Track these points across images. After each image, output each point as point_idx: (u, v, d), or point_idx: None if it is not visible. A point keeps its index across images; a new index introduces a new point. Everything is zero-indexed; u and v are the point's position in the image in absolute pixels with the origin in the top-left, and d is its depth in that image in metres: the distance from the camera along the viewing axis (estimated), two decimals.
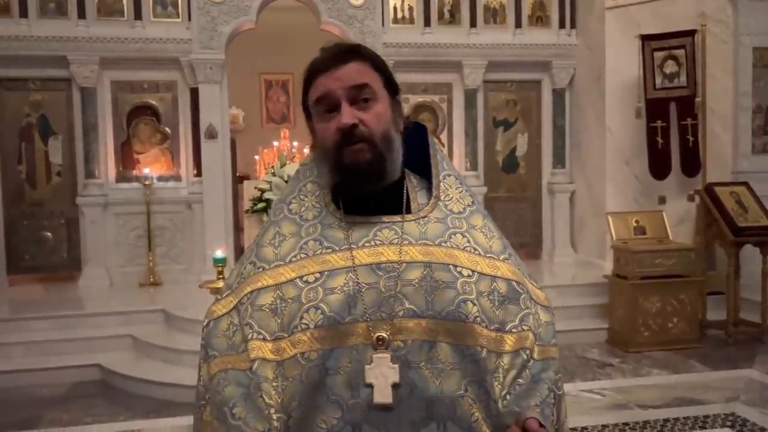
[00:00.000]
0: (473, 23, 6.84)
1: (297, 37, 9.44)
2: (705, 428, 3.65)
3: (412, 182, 1.28)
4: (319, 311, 1.12)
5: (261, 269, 1.21)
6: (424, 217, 1.23)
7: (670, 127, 5.97)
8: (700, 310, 5.38)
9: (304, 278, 1.16)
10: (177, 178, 6.55)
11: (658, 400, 4.06)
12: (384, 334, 1.10)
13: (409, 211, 1.24)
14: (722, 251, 5.57)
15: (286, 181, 4.20)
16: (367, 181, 1.19)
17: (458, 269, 1.17)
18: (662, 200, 6.01)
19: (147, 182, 6.29)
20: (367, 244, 1.18)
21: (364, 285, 1.14)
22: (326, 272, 1.16)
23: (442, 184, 1.28)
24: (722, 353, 5.01)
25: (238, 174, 8.95)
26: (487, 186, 6.96)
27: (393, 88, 1.25)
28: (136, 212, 6.38)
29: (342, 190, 1.22)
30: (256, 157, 9.64)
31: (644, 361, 4.88)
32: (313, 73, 1.22)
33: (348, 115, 1.16)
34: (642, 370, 4.71)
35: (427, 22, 6.78)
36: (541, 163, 7.18)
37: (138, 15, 6.31)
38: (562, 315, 5.28)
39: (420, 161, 1.31)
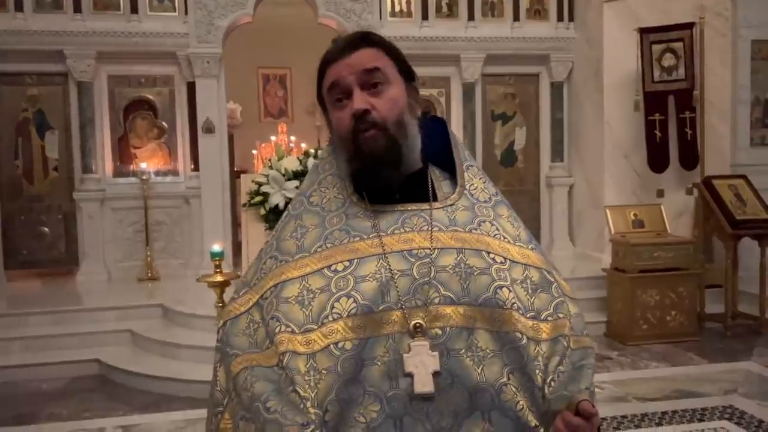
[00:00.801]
0: (471, 16, 6.81)
1: (294, 31, 9.43)
2: (703, 420, 3.66)
3: (435, 173, 1.27)
4: (351, 299, 1.09)
5: (284, 262, 1.18)
6: (451, 205, 1.22)
7: (669, 120, 5.96)
8: (698, 303, 5.39)
9: (332, 267, 1.13)
10: (174, 172, 6.53)
11: (656, 392, 4.07)
12: (421, 322, 1.08)
13: (435, 200, 1.22)
14: (720, 244, 5.58)
15: (283, 175, 4.18)
16: (384, 167, 1.17)
17: (491, 255, 1.16)
18: (660, 193, 5.99)
19: (144, 177, 6.28)
20: (396, 231, 1.16)
21: (396, 272, 1.11)
22: (356, 260, 1.13)
23: (466, 173, 1.27)
24: (720, 346, 5.02)
25: (235, 169, 8.92)
26: None
27: (408, 74, 1.24)
28: (133, 207, 6.36)
29: (362, 179, 1.20)
30: (254, 151, 9.61)
31: (642, 354, 4.89)
32: (325, 64, 1.22)
33: (360, 100, 1.16)
34: (640, 363, 4.72)
35: (424, 16, 6.76)
36: (540, 157, 7.17)
37: (134, 9, 6.28)
38: None
39: (440, 155, 1.29)
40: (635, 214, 5.57)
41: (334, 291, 1.10)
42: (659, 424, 3.61)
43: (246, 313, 1.18)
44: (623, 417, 3.71)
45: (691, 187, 5.80)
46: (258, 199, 4.22)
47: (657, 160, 6.04)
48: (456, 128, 6.98)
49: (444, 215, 1.19)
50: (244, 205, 4.44)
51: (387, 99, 1.17)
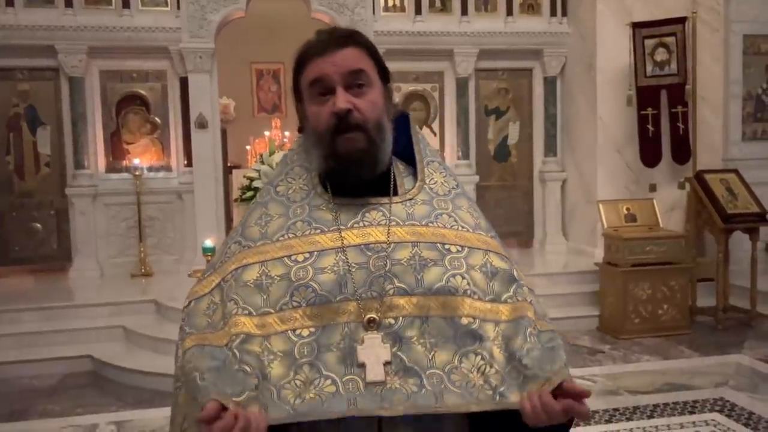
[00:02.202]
0: (464, 11, 6.80)
1: (287, 26, 9.35)
2: (694, 413, 3.68)
3: (399, 168, 1.30)
4: (310, 289, 1.13)
5: (247, 247, 1.22)
6: (410, 199, 1.25)
7: (661, 114, 5.98)
8: (690, 296, 5.42)
9: (293, 257, 1.17)
10: (167, 168, 6.51)
11: (648, 386, 4.10)
12: (374, 316, 1.12)
13: (396, 195, 1.26)
14: (712, 238, 5.61)
15: (274, 169, 4.19)
16: (361, 169, 1.20)
17: (446, 246, 1.20)
18: (653, 188, 6.02)
19: (137, 173, 6.25)
20: (355, 225, 1.20)
21: (354, 265, 1.15)
22: (315, 252, 1.17)
23: (426, 169, 1.31)
24: (712, 339, 5.05)
25: (229, 164, 8.91)
26: (478, 175, 6.95)
27: (385, 76, 1.26)
28: (126, 203, 6.34)
29: (334, 177, 1.23)
30: (248, 147, 9.60)
31: (634, 348, 4.91)
32: (307, 56, 1.22)
33: (343, 99, 1.17)
34: (632, 356, 4.75)
35: (418, 10, 6.74)
36: (533, 152, 7.17)
37: (126, 3, 6.23)
38: (553, 303, 5.30)
39: (406, 151, 1.33)
40: (628, 209, 5.59)
41: (293, 280, 1.15)
42: (651, 417, 3.64)
43: (209, 294, 1.22)
44: (615, 410, 3.73)
45: (684, 182, 5.82)
46: (250, 194, 4.22)
47: (649, 155, 6.06)
48: (449, 123, 6.99)
49: (402, 209, 1.23)
50: (236, 200, 4.43)
51: (368, 101, 1.20)
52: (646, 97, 5.98)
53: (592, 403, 3.75)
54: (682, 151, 5.96)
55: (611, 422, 3.58)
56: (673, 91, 5.89)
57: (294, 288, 1.14)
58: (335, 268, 1.15)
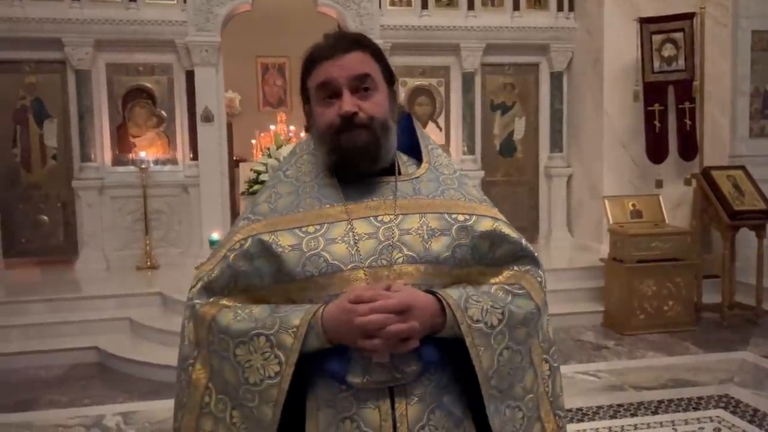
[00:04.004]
0: (471, 6, 6.78)
1: (294, 19, 9.36)
2: (698, 409, 3.68)
3: (402, 159, 1.34)
4: (322, 259, 1.17)
5: (256, 221, 1.25)
6: (416, 177, 1.30)
7: (668, 110, 5.96)
8: (695, 293, 5.41)
9: (303, 228, 1.21)
10: (173, 161, 6.52)
11: (652, 381, 4.10)
12: (386, 281, 1.16)
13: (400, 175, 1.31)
14: (718, 235, 5.59)
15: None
16: (362, 162, 1.24)
17: (453, 216, 1.24)
18: (659, 184, 6.00)
19: (143, 166, 6.27)
20: (363, 200, 1.25)
21: (363, 235, 1.20)
22: (326, 224, 1.21)
23: (431, 153, 1.35)
24: (717, 336, 5.04)
25: (234, 158, 8.93)
26: (484, 170, 6.94)
27: (390, 79, 1.30)
28: (132, 196, 6.36)
29: (338, 170, 1.27)
30: (253, 141, 9.61)
31: (639, 344, 4.91)
32: (315, 59, 1.25)
33: (349, 103, 1.21)
34: (637, 352, 4.74)
35: (424, 5, 6.72)
36: (539, 147, 7.16)
37: None
38: (558, 298, 5.30)
39: (407, 148, 1.37)
40: (633, 205, 5.58)
41: (305, 250, 1.18)
42: (655, 413, 3.64)
43: (212, 269, 1.26)
44: (619, 406, 3.74)
45: (690, 178, 5.80)
46: (257, 187, 4.23)
47: (656, 151, 6.04)
48: (455, 118, 6.97)
49: (409, 185, 1.28)
50: (243, 193, 4.44)
51: (373, 102, 1.24)
52: (652, 92, 5.95)
53: (596, 399, 3.78)
54: (689, 148, 5.93)
55: (615, 418, 3.59)
56: (681, 87, 5.87)
57: (306, 257, 1.17)
58: (345, 239, 1.19)
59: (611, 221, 5.46)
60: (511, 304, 1.20)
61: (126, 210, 6.39)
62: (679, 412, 3.66)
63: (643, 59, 5.92)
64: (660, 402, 3.78)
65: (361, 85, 1.23)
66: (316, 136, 1.27)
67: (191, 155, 6.47)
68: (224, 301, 1.22)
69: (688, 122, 5.88)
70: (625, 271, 5.19)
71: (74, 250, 6.34)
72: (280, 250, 1.18)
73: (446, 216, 1.23)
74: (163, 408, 3.81)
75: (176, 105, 6.48)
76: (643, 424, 3.51)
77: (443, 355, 1.17)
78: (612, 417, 3.60)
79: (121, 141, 6.43)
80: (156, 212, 6.43)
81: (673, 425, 3.49)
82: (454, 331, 1.15)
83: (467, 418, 1.21)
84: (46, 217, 6.31)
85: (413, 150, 1.36)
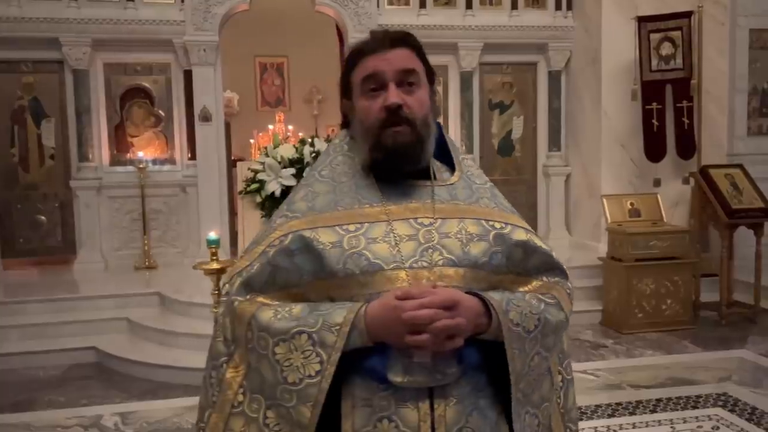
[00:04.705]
0: (469, 4, 6.78)
1: (292, 19, 9.38)
2: (697, 408, 3.69)
3: (436, 164, 1.35)
4: (363, 257, 1.17)
5: (294, 218, 1.25)
6: (451, 184, 1.31)
7: (666, 109, 5.96)
8: (693, 291, 5.42)
9: (344, 227, 1.21)
10: (171, 161, 6.52)
11: (651, 380, 4.10)
12: (426, 282, 1.17)
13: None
14: (716, 233, 5.59)
15: (279, 162, 4.17)
16: (405, 162, 1.25)
17: (490, 223, 1.26)
18: (657, 183, 6.00)
19: (141, 165, 6.27)
20: (402, 201, 1.25)
21: (404, 236, 1.20)
22: (366, 224, 1.22)
23: (462, 164, 1.37)
24: (715, 334, 5.05)
25: (232, 157, 8.91)
26: (482, 169, 6.84)
27: (431, 78, 1.32)
28: (130, 195, 6.35)
29: (379, 168, 1.27)
30: (251, 140, 9.61)
31: (638, 343, 4.92)
32: (362, 53, 1.27)
33: (395, 95, 1.22)
34: (635, 351, 4.75)
35: (422, 4, 6.72)
36: (537, 146, 7.16)
37: None
38: None
39: (436, 154, 1.38)
40: (632, 203, 5.59)
41: (346, 248, 1.18)
42: (653, 411, 3.64)
43: (250, 265, 1.25)
44: (618, 404, 3.74)
45: (688, 177, 5.81)
46: (254, 186, 4.22)
47: (654, 150, 6.04)
48: (453, 117, 6.97)
49: (445, 191, 1.29)
50: (241, 192, 4.44)
51: (417, 99, 1.25)
52: (651, 91, 5.95)
53: (595, 398, 3.78)
54: (687, 146, 5.94)
55: (614, 416, 3.59)
56: (679, 85, 5.87)
57: (347, 256, 1.17)
58: (386, 239, 1.19)
59: (609, 220, 5.46)
60: (545, 311, 1.22)
61: (124, 210, 6.39)
62: (677, 410, 3.66)
63: (641, 58, 5.92)
64: (658, 400, 3.78)
65: (406, 80, 1.24)
66: (360, 130, 1.27)
67: (189, 155, 6.47)
68: (262, 299, 1.21)
69: (686, 121, 5.88)
70: (624, 270, 5.20)
71: (72, 250, 6.33)
72: (321, 246, 1.18)
73: (483, 222, 1.25)
74: (162, 408, 3.82)
75: (174, 105, 6.48)
76: (641, 422, 3.51)
77: (482, 358, 1.18)
78: (610, 416, 3.60)
79: (119, 141, 6.43)
80: (154, 212, 6.43)
81: (672, 424, 3.49)
82: (496, 333, 1.16)
83: (502, 421, 1.22)
84: (44, 217, 6.31)
85: (442, 158, 1.37)
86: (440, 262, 1.18)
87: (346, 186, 1.27)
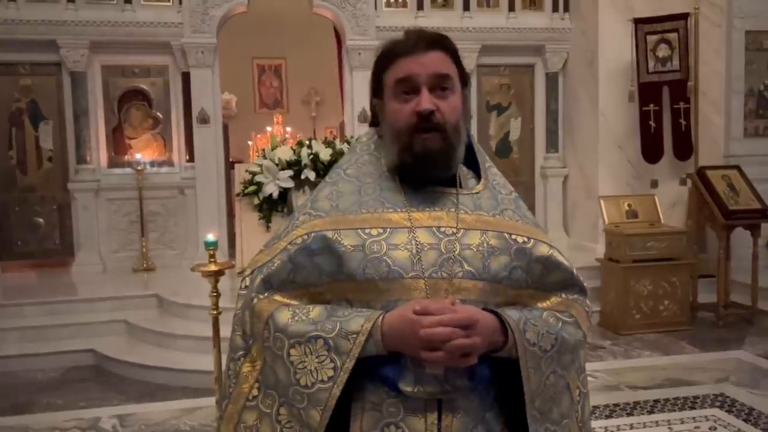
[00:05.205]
0: (466, 6, 6.80)
1: (289, 21, 9.39)
2: (694, 408, 3.69)
3: (463, 170, 1.33)
4: (384, 263, 1.16)
5: (318, 217, 1.24)
6: (476, 193, 1.29)
7: (663, 110, 5.97)
8: (691, 292, 5.43)
9: (366, 230, 1.20)
10: (169, 163, 6.52)
11: (648, 381, 4.11)
12: (444, 296, 1.16)
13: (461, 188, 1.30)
14: (713, 234, 5.61)
15: (277, 164, 4.18)
16: (436, 169, 1.23)
17: (512, 237, 1.24)
18: (654, 184, 6.02)
19: (139, 168, 6.26)
20: (426, 209, 1.24)
21: (426, 245, 1.19)
22: (389, 229, 1.20)
23: (488, 171, 1.35)
24: (712, 335, 5.06)
25: (230, 159, 8.92)
26: None
27: (464, 81, 1.29)
28: (128, 198, 6.35)
29: (406, 172, 1.25)
30: (249, 142, 9.61)
31: (635, 344, 4.92)
32: (395, 53, 1.24)
33: (427, 100, 1.20)
34: (633, 352, 4.76)
35: (420, 6, 6.73)
36: (534, 148, 7.18)
37: None
38: None
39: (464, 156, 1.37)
40: (629, 205, 5.60)
41: (367, 252, 1.17)
42: (651, 412, 3.65)
43: (270, 261, 1.24)
44: (615, 405, 3.75)
45: (685, 178, 5.82)
46: (252, 188, 4.22)
47: (651, 151, 6.05)
48: None
49: (470, 200, 1.27)
50: (238, 194, 4.44)
51: (450, 104, 1.23)
52: (647, 93, 5.97)
53: (592, 399, 3.77)
54: (684, 148, 5.95)
55: (611, 417, 3.60)
56: (675, 87, 5.88)
57: (368, 260, 1.17)
58: (408, 246, 1.18)
59: (607, 221, 5.48)
60: (562, 330, 1.21)
61: (122, 212, 6.39)
62: (675, 411, 3.67)
63: (637, 60, 5.94)
64: (656, 401, 3.79)
65: (439, 85, 1.22)
66: (390, 132, 1.25)
67: (187, 157, 6.47)
68: (279, 297, 1.21)
69: (683, 122, 5.90)
70: (621, 271, 5.21)
71: (70, 253, 6.33)
72: (342, 249, 1.17)
73: (506, 236, 1.23)
74: (160, 410, 3.81)
75: (172, 107, 6.48)
76: (639, 423, 3.52)
77: (493, 374, 1.18)
78: (608, 417, 3.61)
79: (117, 143, 6.43)
80: (152, 214, 6.43)
81: (669, 424, 3.50)
82: (511, 351, 1.16)
83: None
84: (41, 220, 6.30)
85: (468, 164, 1.35)
86: (460, 274, 1.18)
87: (370, 188, 1.26)
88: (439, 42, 1.25)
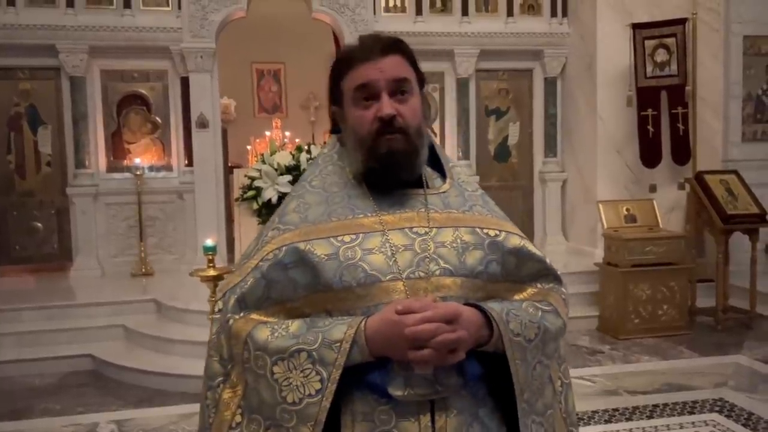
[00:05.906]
0: (465, 11, 6.82)
1: (288, 26, 9.41)
2: (693, 413, 3.69)
3: (427, 171, 1.33)
4: (360, 269, 1.15)
5: (287, 230, 1.22)
6: (443, 192, 1.30)
7: (661, 115, 5.99)
8: (689, 297, 5.43)
9: (339, 238, 1.19)
10: (168, 168, 6.52)
11: (647, 386, 4.10)
12: (424, 293, 1.16)
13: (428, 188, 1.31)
14: (712, 239, 5.61)
15: (276, 169, 4.18)
16: (402, 171, 1.23)
17: (484, 231, 1.25)
18: (653, 188, 6.03)
19: (138, 172, 6.26)
20: (396, 211, 1.24)
21: (400, 246, 1.19)
22: (361, 234, 1.19)
23: (452, 171, 1.36)
24: (711, 340, 5.06)
25: (229, 164, 8.92)
26: (479, 175, 6.95)
27: (422, 83, 1.30)
28: (127, 202, 6.35)
29: (373, 177, 1.25)
30: (248, 147, 9.61)
31: (634, 348, 4.92)
32: (352, 60, 1.24)
33: (388, 105, 1.20)
34: (632, 356, 4.75)
35: (418, 11, 6.75)
36: (533, 152, 7.19)
37: (127, 3, 6.25)
38: None
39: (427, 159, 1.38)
40: (628, 209, 5.60)
41: (342, 260, 1.16)
42: (650, 417, 3.65)
43: (243, 280, 1.22)
44: (614, 410, 3.74)
45: (683, 182, 5.83)
46: (251, 193, 4.23)
47: (649, 156, 6.07)
48: (450, 124, 7.00)
49: (438, 199, 1.28)
50: (237, 199, 4.44)
51: (411, 108, 1.24)
52: (646, 97, 5.99)
53: (591, 404, 3.78)
54: (682, 152, 5.96)
55: (610, 422, 3.59)
56: (673, 92, 5.90)
57: (343, 267, 1.15)
58: (383, 249, 1.18)
59: (605, 226, 5.48)
60: (543, 319, 1.22)
61: (121, 217, 6.38)
62: (674, 416, 3.66)
63: (636, 64, 5.96)
64: (655, 406, 3.79)
65: (399, 89, 1.22)
66: (353, 140, 1.24)
67: (186, 161, 6.47)
68: (256, 315, 1.18)
69: (681, 127, 5.92)
70: (620, 276, 5.21)
71: (69, 257, 6.32)
72: (316, 259, 1.16)
73: (478, 230, 1.24)
74: (158, 415, 3.80)
75: (171, 111, 6.48)
76: (638, 428, 3.51)
77: (483, 369, 1.17)
78: (607, 422, 3.60)
79: (116, 147, 6.43)
80: (151, 219, 6.42)
81: (668, 429, 3.49)
82: (497, 344, 1.15)
83: (503, 430, 1.21)
84: (40, 224, 6.30)
85: (432, 165, 1.35)
86: (437, 272, 1.17)
87: (338, 196, 1.25)
88: (395, 46, 1.25)
